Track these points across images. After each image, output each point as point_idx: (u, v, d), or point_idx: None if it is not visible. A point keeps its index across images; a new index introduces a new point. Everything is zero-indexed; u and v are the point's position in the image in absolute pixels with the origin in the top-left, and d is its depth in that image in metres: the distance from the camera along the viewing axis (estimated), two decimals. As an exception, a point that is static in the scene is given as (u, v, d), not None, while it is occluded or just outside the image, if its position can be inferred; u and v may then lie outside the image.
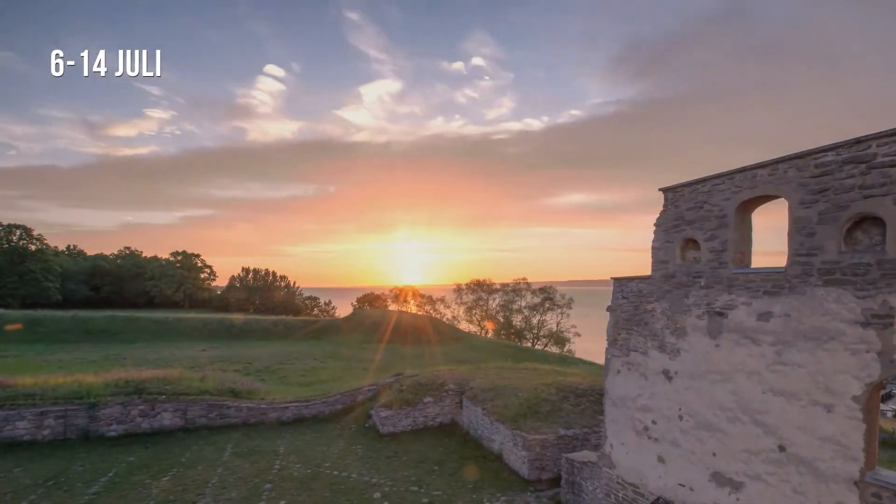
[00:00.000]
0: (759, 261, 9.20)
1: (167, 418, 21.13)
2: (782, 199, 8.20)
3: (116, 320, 52.57)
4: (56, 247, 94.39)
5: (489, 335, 67.97)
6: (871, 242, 7.13)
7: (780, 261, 8.23)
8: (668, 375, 10.31)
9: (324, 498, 15.02)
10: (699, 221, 9.66)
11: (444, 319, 73.13)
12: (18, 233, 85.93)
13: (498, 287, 75.98)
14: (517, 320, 71.98)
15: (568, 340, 68.01)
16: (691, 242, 10.06)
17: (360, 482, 16.28)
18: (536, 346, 65.55)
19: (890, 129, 6.72)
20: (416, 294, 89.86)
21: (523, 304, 72.90)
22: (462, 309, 78.07)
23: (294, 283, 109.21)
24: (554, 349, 64.29)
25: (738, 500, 8.79)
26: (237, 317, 64.43)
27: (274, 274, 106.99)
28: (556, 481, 16.03)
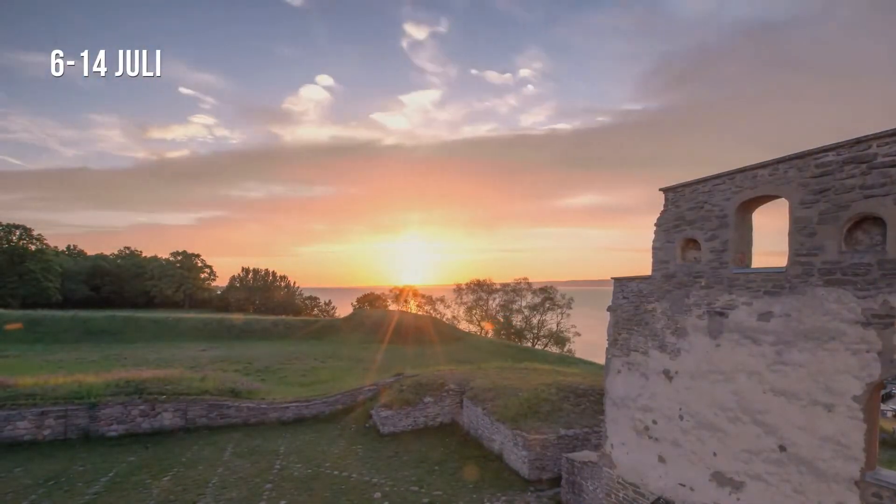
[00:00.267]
0: (759, 261, 9.22)
1: (167, 418, 21.14)
2: (783, 199, 8.21)
3: (116, 320, 52.62)
4: (56, 247, 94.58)
5: (489, 335, 67.97)
6: (871, 242, 7.14)
7: (781, 261, 8.23)
8: (668, 375, 10.31)
9: (324, 498, 15.03)
10: (700, 221, 9.67)
11: (444, 319, 73.11)
12: (18, 233, 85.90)
13: (498, 287, 75.96)
14: (517, 320, 71.97)
15: (568, 340, 68.03)
16: (692, 242, 10.06)
17: (361, 482, 16.28)
18: (536, 346, 65.56)
19: (890, 129, 6.73)
20: (416, 294, 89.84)
21: (523, 303, 72.89)
22: (462, 309, 78.09)
23: (294, 283, 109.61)
24: (554, 349, 64.31)
25: (738, 499, 8.80)
26: (237, 317, 64.46)
27: (274, 274, 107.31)
28: (556, 481, 16.03)
